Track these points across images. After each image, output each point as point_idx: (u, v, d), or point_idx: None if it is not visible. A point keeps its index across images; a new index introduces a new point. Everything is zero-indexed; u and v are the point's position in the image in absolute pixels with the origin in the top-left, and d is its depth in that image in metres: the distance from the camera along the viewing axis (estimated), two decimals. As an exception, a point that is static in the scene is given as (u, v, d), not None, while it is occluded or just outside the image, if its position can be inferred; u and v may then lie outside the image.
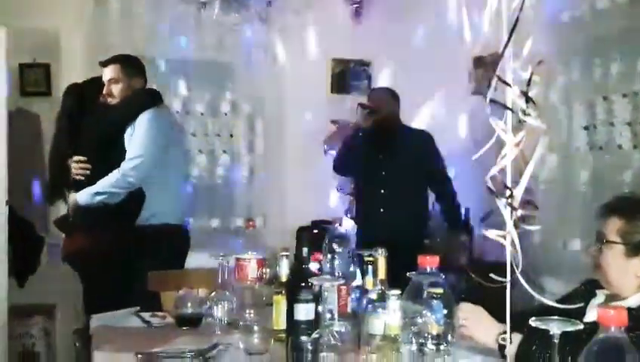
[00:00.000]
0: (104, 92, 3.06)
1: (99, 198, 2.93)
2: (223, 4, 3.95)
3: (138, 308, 2.27)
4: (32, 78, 3.93)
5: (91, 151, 2.98)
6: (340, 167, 3.90)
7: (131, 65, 3.12)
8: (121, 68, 3.06)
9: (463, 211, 3.98)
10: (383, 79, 4.26)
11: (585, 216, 3.32)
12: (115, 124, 3.01)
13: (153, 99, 3.10)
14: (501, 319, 1.41)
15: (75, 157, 3.04)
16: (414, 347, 1.29)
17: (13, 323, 3.51)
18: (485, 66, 4.05)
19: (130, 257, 2.90)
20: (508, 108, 0.86)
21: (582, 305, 1.72)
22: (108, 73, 3.07)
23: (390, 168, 3.59)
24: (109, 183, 2.92)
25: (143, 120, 2.94)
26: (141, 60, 3.24)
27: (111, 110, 3.05)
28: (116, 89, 3.05)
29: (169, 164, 2.99)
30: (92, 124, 3.05)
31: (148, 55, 3.84)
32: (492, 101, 0.88)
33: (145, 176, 2.92)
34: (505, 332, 1.51)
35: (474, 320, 1.69)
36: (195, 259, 3.18)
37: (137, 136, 2.93)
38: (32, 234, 3.50)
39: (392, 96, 3.75)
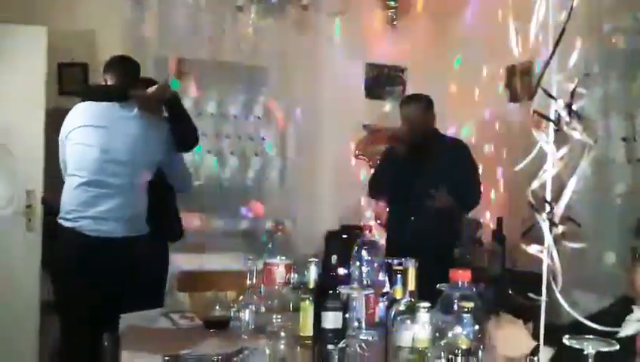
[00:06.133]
0: None
1: None
2: (260, 8, 3.96)
3: (167, 309, 2.28)
4: (70, 77, 4.00)
5: None
6: (375, 193, 3.84)
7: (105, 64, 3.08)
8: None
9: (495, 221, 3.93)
10: (417, 85, 4.22)
11: (620, 230, 3.24)
12: None
13: (90, 96, 2.99)
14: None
15: None
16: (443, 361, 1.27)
17: (44, 319, 3.57)
18: (520, 76, 3.98)
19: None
20: (551, 120, 0.82)
21: (619, 329, 1.65)
22: None
23: (421, 178, 3.51)
24: None
25: None
26: (115, 58, 3.08)
27: None
28: None
29: (71, 159, 2.90)
30: None
31: (183, 56, 3.88)
32: (535, 113, 0.84)
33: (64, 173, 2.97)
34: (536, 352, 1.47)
35: (506, 334, 1.65)
36: (224, 261, 3.19)
37: None
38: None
39: (424, 105, 3.56)
